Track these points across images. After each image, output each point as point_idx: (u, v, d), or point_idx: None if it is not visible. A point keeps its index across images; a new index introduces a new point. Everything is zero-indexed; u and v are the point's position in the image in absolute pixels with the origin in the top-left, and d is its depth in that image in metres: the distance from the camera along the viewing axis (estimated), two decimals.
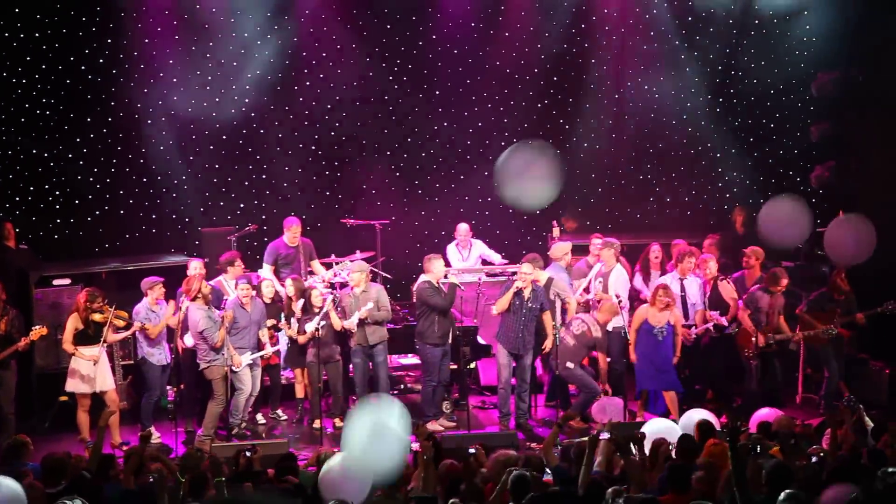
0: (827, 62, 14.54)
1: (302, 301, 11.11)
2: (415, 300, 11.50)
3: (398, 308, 12.15)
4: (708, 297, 11.60)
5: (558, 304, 11.51)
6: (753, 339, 11.34)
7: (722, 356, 11.74)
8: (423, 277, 11.25)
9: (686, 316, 11.44)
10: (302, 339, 11.07)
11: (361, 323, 11.00)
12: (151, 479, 7.12)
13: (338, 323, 11.00)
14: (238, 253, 11.99)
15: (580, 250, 12.48)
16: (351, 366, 11.32)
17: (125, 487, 7.35)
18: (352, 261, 12.15)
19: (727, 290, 11.57)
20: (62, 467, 7.63)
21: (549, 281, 11.39)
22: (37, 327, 10.45)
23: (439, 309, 11.01)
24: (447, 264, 12.13)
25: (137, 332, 10.79)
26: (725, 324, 11.50)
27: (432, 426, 10.49)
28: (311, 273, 12.26)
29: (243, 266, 11.78)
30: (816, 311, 11.52)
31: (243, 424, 10.91)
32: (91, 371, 10.46)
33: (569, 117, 14.93)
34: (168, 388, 11.31)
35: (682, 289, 11.54)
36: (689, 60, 14.86)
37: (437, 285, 11.09)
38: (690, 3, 14.72)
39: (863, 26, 13.88)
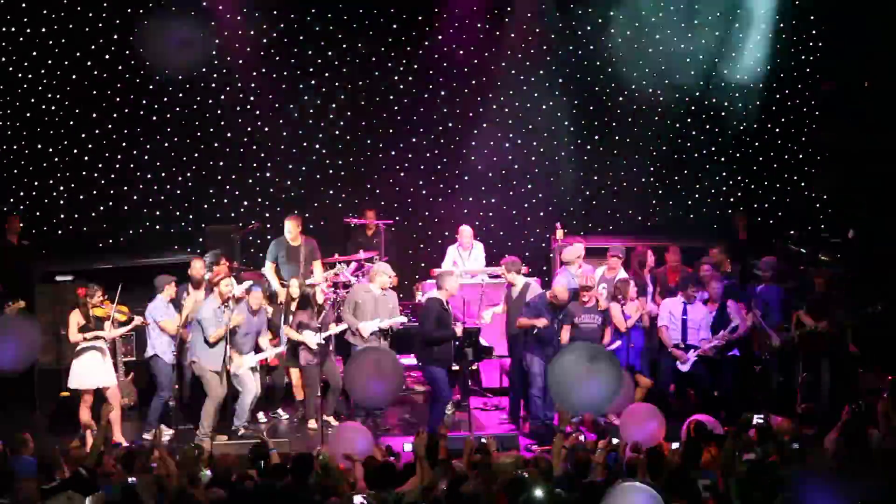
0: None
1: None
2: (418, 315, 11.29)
3: (401, 308, 12.12)
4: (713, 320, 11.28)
5: None
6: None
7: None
8: (433, 294, 10.89)
9: (684, 339, 11.21)
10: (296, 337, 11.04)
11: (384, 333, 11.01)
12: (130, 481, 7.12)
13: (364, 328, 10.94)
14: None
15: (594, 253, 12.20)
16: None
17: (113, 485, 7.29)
18: (366, 261, 12.17)
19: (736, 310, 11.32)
20: (58, 464, 7.64)
21: (526, 287, 11.15)
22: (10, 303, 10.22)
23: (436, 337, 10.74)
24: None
25: (151, 329, 10.80)
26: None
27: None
28: (312, 273, 12.21)
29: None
30: (815, 312, 11.29)
31: (246, 425, 10.88)
32: (94, 367, 10.46)
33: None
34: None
35: (685, 312, 11.24)
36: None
37: (446, 306, 10.76)
38: None
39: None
